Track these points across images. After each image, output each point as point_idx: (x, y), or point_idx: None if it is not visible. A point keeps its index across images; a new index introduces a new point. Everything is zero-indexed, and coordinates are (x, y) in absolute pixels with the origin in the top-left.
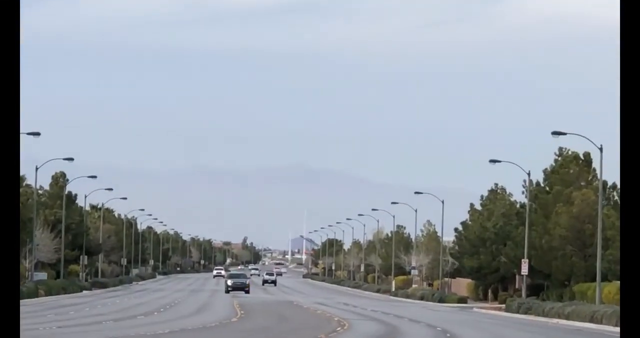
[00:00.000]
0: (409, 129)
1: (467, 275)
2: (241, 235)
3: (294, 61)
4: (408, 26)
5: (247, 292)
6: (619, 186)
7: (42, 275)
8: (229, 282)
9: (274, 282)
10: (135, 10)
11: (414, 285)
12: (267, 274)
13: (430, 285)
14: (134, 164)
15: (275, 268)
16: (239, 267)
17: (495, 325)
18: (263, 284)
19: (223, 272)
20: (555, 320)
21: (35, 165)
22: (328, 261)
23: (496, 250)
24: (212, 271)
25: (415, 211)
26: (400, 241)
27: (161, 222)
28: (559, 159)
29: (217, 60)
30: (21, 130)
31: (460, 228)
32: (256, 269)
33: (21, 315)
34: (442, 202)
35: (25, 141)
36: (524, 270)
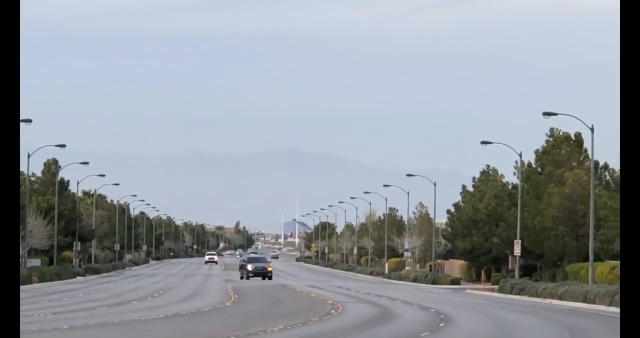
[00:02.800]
0: (401, 111)
1: (459, 256)
2: (234, 219)
3: (283, 45)
4: (400, 8)
5: (270, 278)
6: (611, 167)
7: (36, 262)
8: (250, 267)
9: None
10: None
11: (407, 267)
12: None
13: (431, 268)
14: (126, 150)
15: (272, 252)
16: (228, 252)
17: (488, 306)
18: None
19: (216, 258)
20: (548, 301)
21: (27, 152)
22: (321, 244)
23: (488, 231)
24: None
25: (408, 194)
26: (392, 223)
27: (154, 208)
28: (550, 139)
29: (209, 45)
30: None
31: (452, 210)
32: (255, 253)
33: None
34: (434, 184)
35: None
36: (517, 251)
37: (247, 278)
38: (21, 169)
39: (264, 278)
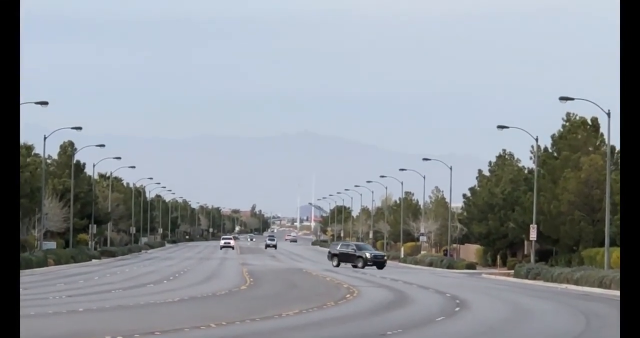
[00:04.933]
0: (418, 95)
1: (475, 241)
2: (250, 202)
3: (300, 26)
4: None
5: (383, 267)
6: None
7: (51, 244)
8: (368, 255)
9: (274, 246)
10: None
11: (422, 252)
12: (268, 239)
13: (447, 252)
14: (143, 133)
15: (288, 235)
16: (235, 235)
17: (504, 290)
18: (266, 248)
19: (232, 242)
20: (563, 285)
21: (44, 134)
22: (337, 228)
23: (504, 216)
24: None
25: (424, 178)
26: (408, 208)
27: (170, 190)
28: (567, 124)
29: (225, 27)
30: (30, 100)
31: (468, 194)
32: (272, 237)
33: (31, 284)
34: (450, 168)
35: (33, 110)
36: (533, 235)
37: (364, 266)
38: (37, 151)
39: (380, 267)
